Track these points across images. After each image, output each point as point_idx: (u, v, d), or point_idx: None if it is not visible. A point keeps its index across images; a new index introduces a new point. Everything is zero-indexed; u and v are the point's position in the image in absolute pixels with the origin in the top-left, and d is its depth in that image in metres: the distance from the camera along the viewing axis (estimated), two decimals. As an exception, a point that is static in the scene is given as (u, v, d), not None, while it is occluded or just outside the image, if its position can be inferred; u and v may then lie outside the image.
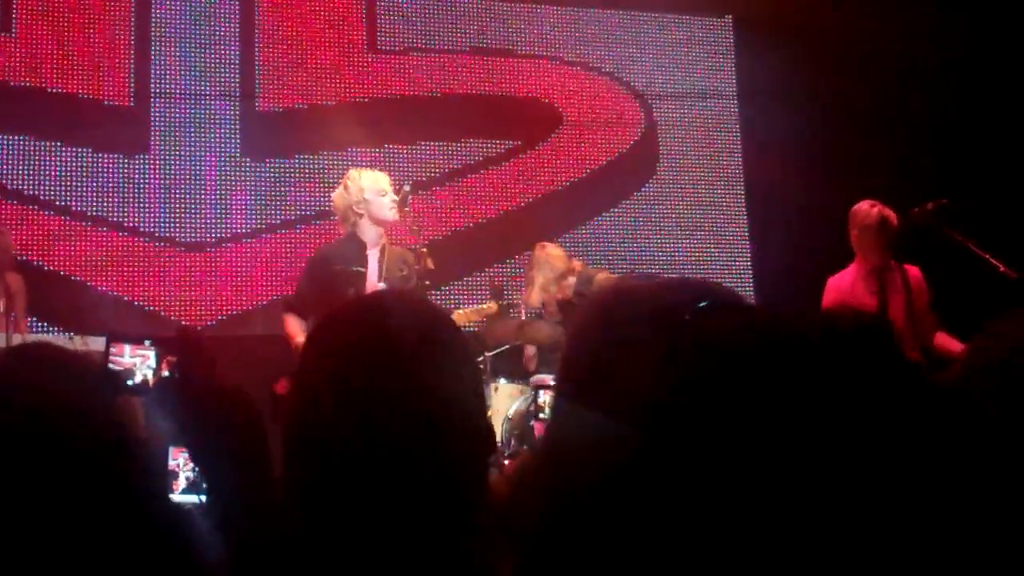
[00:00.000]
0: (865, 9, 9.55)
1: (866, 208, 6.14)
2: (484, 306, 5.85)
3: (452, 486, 1.48)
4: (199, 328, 8.14)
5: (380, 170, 6.06)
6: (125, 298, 8.21)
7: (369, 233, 5.73)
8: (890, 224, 6.07)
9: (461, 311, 5.77)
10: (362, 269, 5.63)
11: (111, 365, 1.58)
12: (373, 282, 5.62)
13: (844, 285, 6.15)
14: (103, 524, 1.38)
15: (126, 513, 1.46)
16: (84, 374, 1.67)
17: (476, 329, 7.33)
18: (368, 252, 5.69)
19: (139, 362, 1.58)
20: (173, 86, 8.63)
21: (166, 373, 1.60)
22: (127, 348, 1.58)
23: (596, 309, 1.03)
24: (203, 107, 8.65)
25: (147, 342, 1.59)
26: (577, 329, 1.04)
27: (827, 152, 9.48)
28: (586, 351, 1.00)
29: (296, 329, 5.67)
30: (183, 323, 8.00)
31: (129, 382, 1.58)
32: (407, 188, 5.84)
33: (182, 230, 8.43)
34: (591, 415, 0.90)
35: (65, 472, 1.33)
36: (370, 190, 5.74)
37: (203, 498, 1.78)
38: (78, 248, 8.21)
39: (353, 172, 5.90)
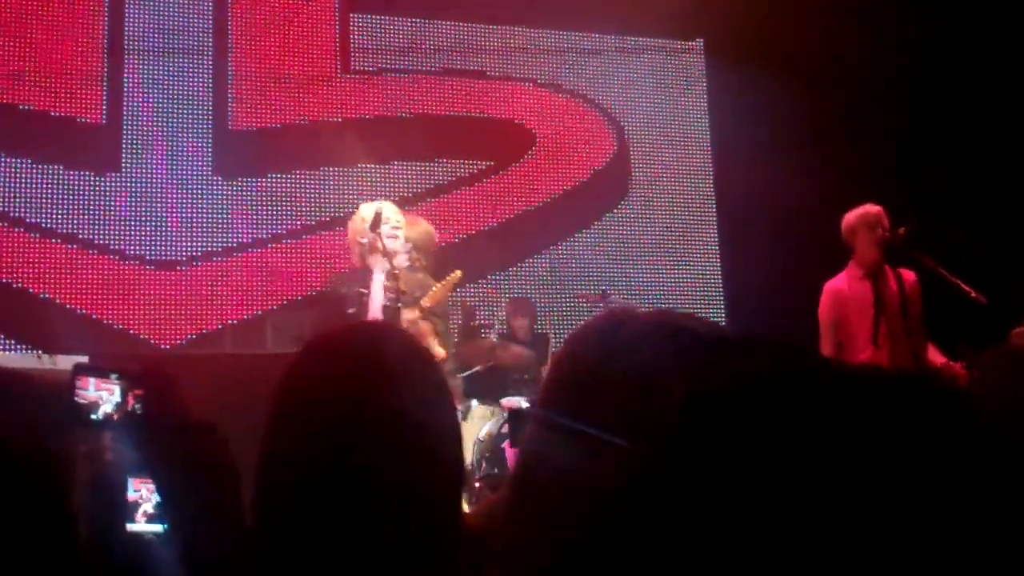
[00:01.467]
0: (831, 28, 9.65)
1: (865, 208, 6.20)
2: (448, 277, 5.83)
3: (424, 515, 1.49)
4: (167, 347, 8.12)
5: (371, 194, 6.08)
6: (95, 316, 8.16)
7: (378, 263, 5.75)
8: (887, 222, 6.13)
9: (431, 293, 5.74)
10: (364, 291, 5.67)
11: (76, 399, 1.58)
12: (376, 302, 5.64)
13: (840, 289, 6.18)
14: (56, 555, 1.39)
15: (79, 544, 1.47)
16: (41, 406, 1.68)
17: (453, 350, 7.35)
18: (373, 276, 5.72)
19: (104, 395, 1.58)
20: (145, 104, 8.60)
21: (133, 406, 1.60)
22: (92, 381, 1.58)
23: (590, 337, 1.00)
24: (175, 125, 8.63)
25: (113, 376, 1.59)
26: (567, 355, 1.01)
27: (798, 172, 9.54)
28: (577, 378, 0.98)
29: None
30: (150, 353, 7.96)
31: (93, 416, 1.58)
32: (375, 209, 5.83)
33: (153, 248, 8.39)
34: (578, 444, 0.89)
35: (13, 505, 1.33)
36: (373, 221, 5.77)
37: (163, 527, 1.78)
38: (48, 266, 8.16)
39: (361, 205, 5.95)
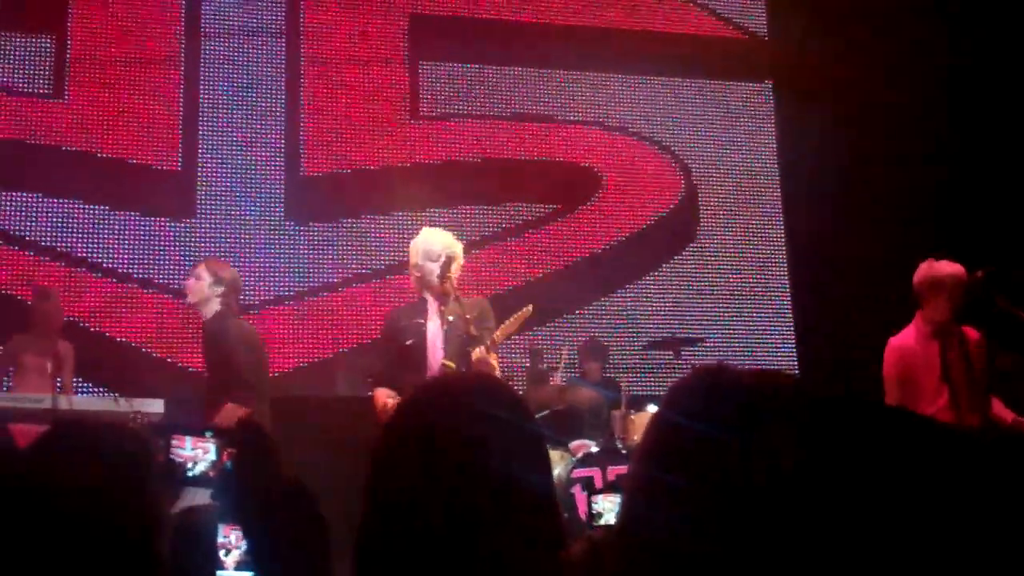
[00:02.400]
0: (902, 68, 9.58)
1: (943, 264, 5.96)
2: (521, 312, 5.86)
3: (522, 563, 1.51)
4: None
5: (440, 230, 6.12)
6: (170, 360, 8.29)
7: (427, 290, 5.83)
8: (964, 283, 5.93)
9: (503, 327, 5.78)
10: (421, 321, 5.73)
11: (172, 457, 1.61)
12: (433, 334, 5.69)
13: (907, 346, 5.98)
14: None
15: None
16: (125, 456, 1.71)
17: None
18: (429, 307, 5.78)
19: (200, 453, 1.61)
20: (220, 151, 8.78)
21: (227, 464, 1.63)
22: (188, 440, 1.61)
23: (696, 391, 1.02)
24: (249, 172, 8.78)
25: (207, 433, 1.62)
26: (672, 410, 1.02)
27: (869, 214, 9.47)
28: (683, 435, 0.99)
29: (383, 400, 5.70)
30: (241, 415, 8.05)
31: (189, 474, 1.61)
32: (446, 256, 5.87)
33: (227, 293, 8.51)
34: (681, 498, 0.90)
35: (86, 551, 1.36)
36: (423, 253, 5.83)
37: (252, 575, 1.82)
38: (124, 310, 8.32)
39: (423, 230, 6.02)
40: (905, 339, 6.01)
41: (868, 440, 0.89)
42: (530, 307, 5.97)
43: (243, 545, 2.04)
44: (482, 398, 1.59)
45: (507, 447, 1.55)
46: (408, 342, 5.68)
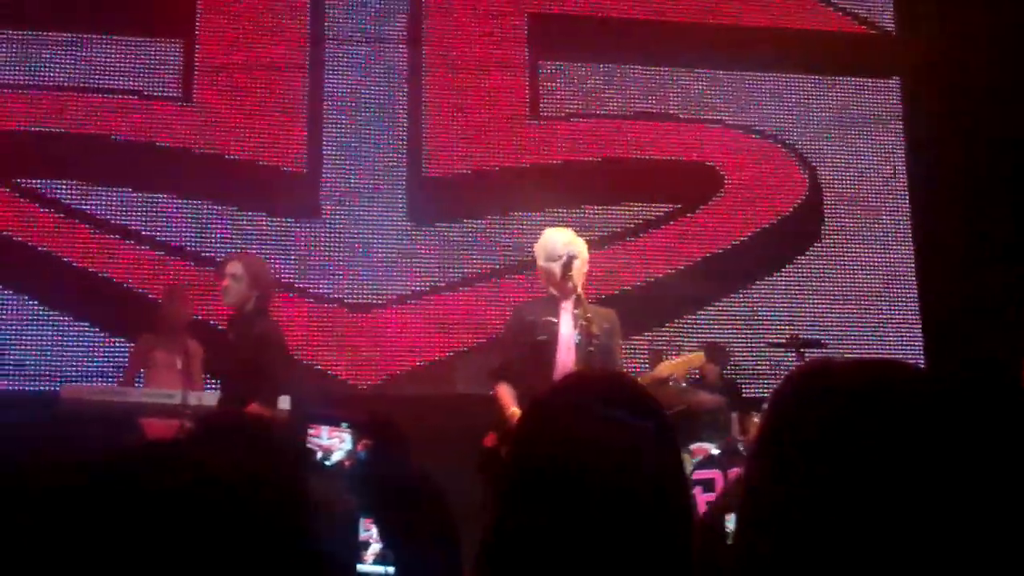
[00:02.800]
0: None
1: None
2: (691, 355, 5.85)
3: (658, 562, 1.49)
4: (363, 388, 8.33)
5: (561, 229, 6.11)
6: (295, 357, 8.44)
7: (554, 289, 5.82)
8: None
9: (667, 362, 5.76)
10: (554, 319, 5.71)
11: (309, 444, 1.64)
12: (565, 334, 5.68)
13: None
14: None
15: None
16: (275, 447, 1.75)
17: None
18: (560, 305, 5.77)
19: (336, 443, 1.63)
20: (344, 153, 8.92)
21: (362, 454, 1.65)
22: (324, 429, 1.63)
23: (794, 390, 1.01)
24: (372, 173, 8.91)
25: (344, 424, 1.64)
26: (782, 405, 1.01)
27: (997, 212, 9.18)
28: (781, 432, 0.99)
29: (508, 397, 5.72)
30: (346, 390, 8.20)
31: (326, 463, 1.63)
32: (568, 255, 5.85)
33: (349, 292, 8.66)
34: (798, 488, 0.89)
35: (248, 541, 1.38)
36: (544, 255, 5.83)
37: (390, 569, 1.84)
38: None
39: (545, 231, 6.02)
40: None
41: (996, 427, 0.86)
42: (703, 355, 5.94)
43: (380, 540, 2.06)
44: (618, 402, 1.57)
45: (642, 454, 1.53)
46: (540, 338, 5.66)
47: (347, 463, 1.55)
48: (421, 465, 1.68)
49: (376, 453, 1.62)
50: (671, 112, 9.51)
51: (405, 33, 9.25)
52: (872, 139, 9.77)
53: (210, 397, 6.95)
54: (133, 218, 8.55)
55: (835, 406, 0.94)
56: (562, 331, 5.69)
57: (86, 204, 8.52)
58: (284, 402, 6.67)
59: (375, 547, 1.96)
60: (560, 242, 5.87)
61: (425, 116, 9.13)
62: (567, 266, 5.79)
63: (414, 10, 9.30)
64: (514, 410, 5.54)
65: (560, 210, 8.98)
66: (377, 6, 9.25)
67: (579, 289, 5.67)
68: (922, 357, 9.29)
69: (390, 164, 8.98)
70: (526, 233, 8.76)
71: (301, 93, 9.01)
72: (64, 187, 8.54)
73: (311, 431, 1.51)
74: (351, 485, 1.76)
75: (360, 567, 2.20)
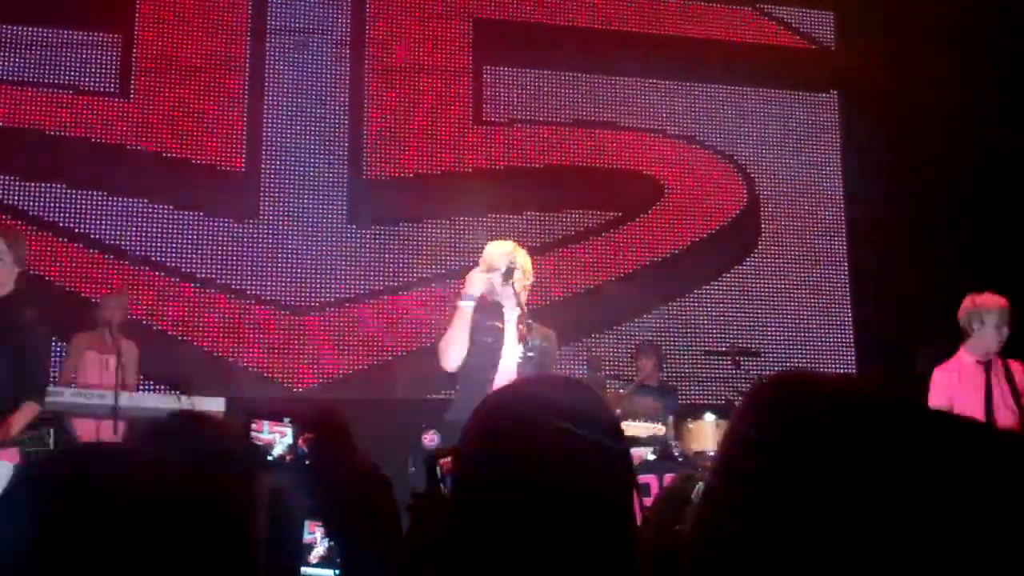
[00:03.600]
0: (968, 80, 9.45)
1: (994, 298, 6.01)
2: (655, 426, 5.96)
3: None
4: (299, 391, 8.26)
5: (499, 238, 6.10)
6: (230, 359, 8.36)
7: (502, 300, 5.80)
8: (1008, 314, 5.96)
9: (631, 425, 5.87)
10: (499, 324, 5.70)
11: (252, 440, 1.61)
12: (509, 339, 5.66)
13: (951, 379, 6.03)
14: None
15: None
16: (228, 448, 1.72)
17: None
18: (504, 310, 5.75)
19: (277, 438, 1.61)
20: (283, 153, 8.84)
21: (303, 449, 1.62)
22: (265, 424, 1.61)
23: (771, 398, 0.99)
24: (312, 174, 8.84)
25: (286, 419, 1.62)
26: (747, 416, 1.00)
27: (934, 227, 9.34)
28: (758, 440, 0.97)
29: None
30: (281, 392, 8.12)
31: (268, 458, 1.61)
32: (508, 266, 5.84)
33: (288, 294, 8.59)
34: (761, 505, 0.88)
35: (191, 544, 1.35)
36: (485, 266, 5.80)
37: (336, 572, 1.81)
38: (187, 309, 8.41)
39: (488, 244, 5.99)
40: (950, 370, 6.04)
41: (965, 456, 0.86)
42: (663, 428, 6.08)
43: (326, 541, 2.04)
44: (566, 407, 1.56)
45: (586, 457, 1.52)
46: (487, 339, 5.64)
47: (288, 457, 1.53)
48: (365, 454, 1.65)
49: (317, 447, 1.60)
50: (614, 120, 9.56)
51: (349, 34, 9.20)
52: (810, 151, 9.91)
53: (143, 398, 6.85)
54: (66, 215, 8.39)
55: (820, 416, 0.92)
56: (506, 337, 5.68)
57: (18, 200, 8.34)
58: (219, 403, 6.60)
59: (319, 549, 1.94)
60: (500, 253, 5.85)
61: (367, 118, 9.08)
62: (507, 275, 5.78)
63: (358, 11, 9.24)
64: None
65: (502, 215, 8.98)
66: (320, 5, 9.18)
67: (522, 300, 5.65)
68: (853, 366, 9.42)
69: (330, 165, 8.91)
70: (467, 237, 8.76)
71: (241, 91, 8.91)
72: (-6, 182, 8.36)
73: (253, 426, 1.49)
74: (293, 480, 1.73)
75: (304, 570, 2.17)
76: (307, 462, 1.62)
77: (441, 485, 1.65)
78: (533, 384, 1.66)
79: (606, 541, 1.48)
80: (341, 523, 1.64)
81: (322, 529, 1.84)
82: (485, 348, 5.61)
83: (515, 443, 1.51)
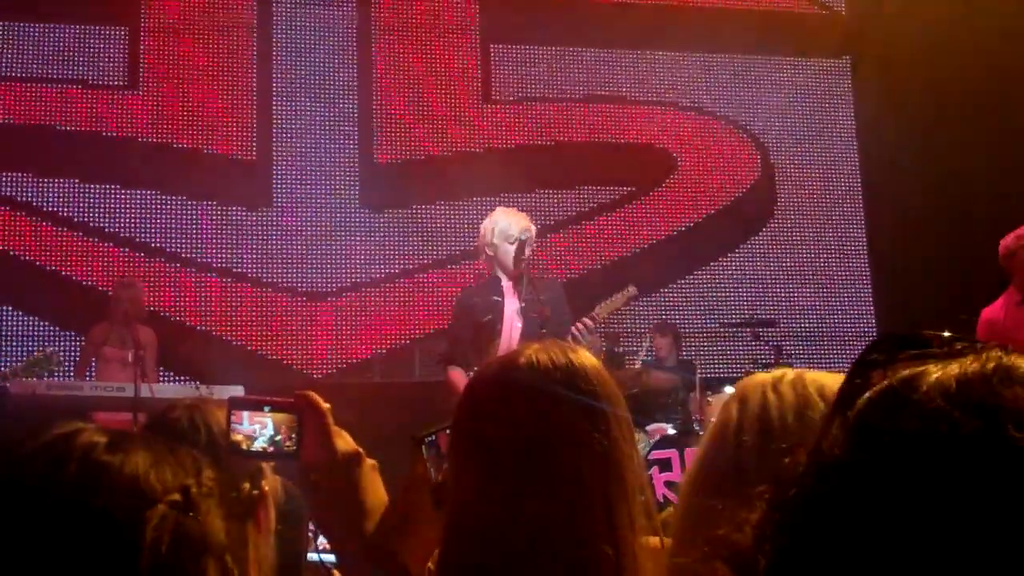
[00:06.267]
0: (983, 44, 9.32)
1: None
2: (623, 292, 5.87)
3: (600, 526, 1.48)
4: (318, 376, 8.28)
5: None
6: (249, 347, 8.39)
7: (500, 270, 5.78)
8: None
9: (606, 304, 5.80)
10: (498, 298, 5.69)
11: (231, 433, 1.60)
12: (510, 312, 5.65)
13: (997, 318, 5.88)
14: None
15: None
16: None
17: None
18: (503, 285, 5.74)
19: (258, 429, 1.60)
20: (294, 140, 8.84)
21: (279, 440, 1.61)
22: (245, 415, 1.59)
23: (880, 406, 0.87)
24: (323, 160, 8.83)
25: (266, 408, 1.61)
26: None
27: (950, 192, 9.23)
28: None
29: (460, 380, 5.69)
30: (303, 382, 8.13)
31: (250, 449, 1.59)
32: (523, 239, 5.83)
33: (303, 280, 8.60)
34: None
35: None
36: (500, 234, 5.78)
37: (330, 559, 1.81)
38: (204, 299, 8.44)
39: (498, 211, 5.96)
40: (994, 312, 5.91)
41: None
42: (634, 288, 5.96)
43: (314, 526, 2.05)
44: (561, 380, 1.55)
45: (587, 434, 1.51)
46: (486, 318, 5.63)
47: (270, 450, 1.52)
48: (343, 434, 1.64)
49: (299, 436, 1.59)
50: (624, 95, 9.50)
51: (355, 19, 9.17)
52: (823, 118, 9.83)
53: (164, 389, 6.87)
54: (80, 209, 8.42)
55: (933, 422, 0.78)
56: (507, 310, 5.67)
57: (32, 196, 8.38)
58: (238, 392, 6.62)
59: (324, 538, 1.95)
60: (516, 225, 5.83)
61: (376, 102, 9.06)
62: (521, 249, 5.76)
63: (363, -5, 9.22)
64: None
65: (514, 194, 8.94)
66: (325, -9, 9.17)
67: (527, 273, 5.65)
68: (874, 334, 9.35)
69: (341, 151, 8.91)
70: (480, 219, 8.71)
71: (249, 80, 8.91)
72: (8, 179, 8.39)
73: (233, 417, 1.48)
74: (276, 468, 1.73)
75: (310, 555, 2.18)
76: (287, 452, 1.61)
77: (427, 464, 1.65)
78: (514, 353, 1.65)
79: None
80: (318, 511, 1.64)
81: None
82: (485, 327, 5.61)
83: (498, 408, 1.51)
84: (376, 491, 1.65)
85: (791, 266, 9.50)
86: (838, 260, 9.59)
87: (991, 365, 0.80)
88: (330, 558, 2.08)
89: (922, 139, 9.35)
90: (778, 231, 9.57)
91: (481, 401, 1.60)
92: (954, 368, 0.80)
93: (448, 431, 1.62)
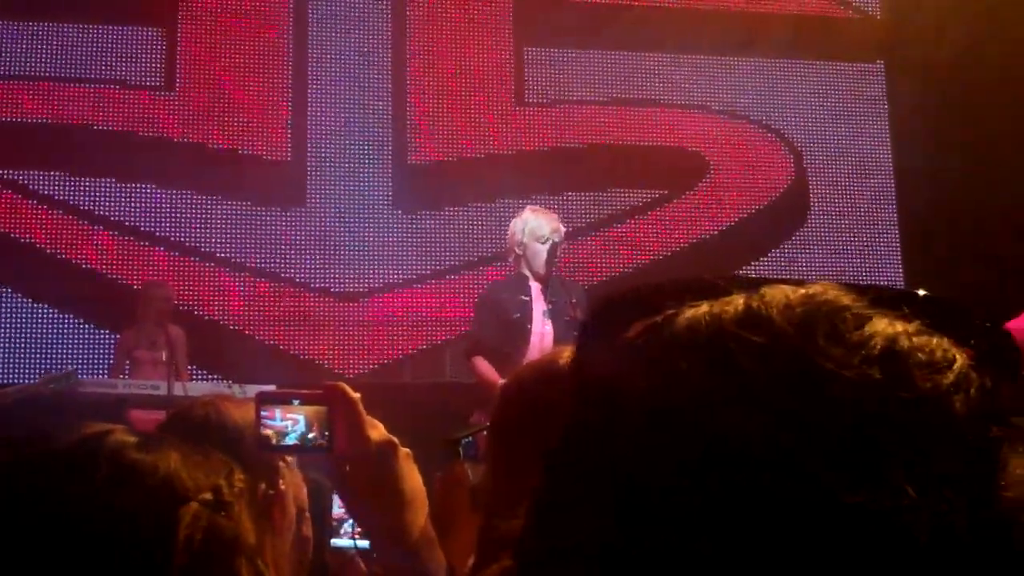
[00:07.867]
0: (1017, 45, 9.23)
1: None
2: None
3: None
4: (350, 377, 8.30)
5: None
6: (282, 347, 8.43)
7: (529, 270, 5.79)
8: None
9: None
10: (526, 298, 5.70)
11: (262, 430, 1.60)
12: (539, 312, 5.66)
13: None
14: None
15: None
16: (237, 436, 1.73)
17: None
18: (531, 283, 5.75)
19: (289, 425, 1.60)
20: (328, 140, 8.89)
21: (313, 435, 1.61)
22: (277, 410, 1.60)
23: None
24: (356, 161, 8.87)
25: (295, 402, 1.61)
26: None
27: (986, 197, 9.16)
28: None
29: (490, 370, 5.69)
30: (332, 378, 8.16)
31: (282, 443, 1.60)
32: (555, 240, 5.84)
33: (336, 280, 8.64)
34: None
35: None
36: (530, 233, 5.80)
37: (366, 543, 1.82)
38: (237, 298, 8.49)
39: (528, 210, 5.97)
40: (1022, 322, 5.85)
41: None
42: None
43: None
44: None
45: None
46: (515, 316, 5.65)
47: (301, 444, 1.53)
48: (376, 424, 1.64)
49: (331, 429, 1.59)
50: (656, 98, 9.49)
51: (389, 16, 9.21)
52: (857, 123, 9.77)
53: (196, 388, 6.92)
54: (115, 209, 8.50)
55: None
56: (535, 309, 5.68)
57: (68, 195, 8.47)
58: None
59: (348, 524, 1.96)
60: (548, 226, 5.85)
61: (409, 103, 9.10)
62: (553, 251, 5.78)
63: (397, -3, 9.26)
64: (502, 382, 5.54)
65: (545, 196, 8.94)
66: (360, -6, 9.21)
67: (556, 275, 5.66)
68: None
69: (374, 152, 8.94)
70: (511, 220, 8.73)
71: (285, 81, 8.96)
72: (45, 178, 8.48)
73: (264, 413, 1.49)
74: (314, 464, 1.74)
75: (335, 541, 2.19)
76: (317, 444, 1.62)
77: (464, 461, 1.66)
78: (553, 356, 1.65)
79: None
80: (353, 503, 1.64)
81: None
82: (514, 325, 5.62)
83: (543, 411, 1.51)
84: (413, 479, 1.65)
85: (824, 271, 9.43)
86: (872, 266, 9.53)
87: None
88: (346, 543, 2.09)
89: (959, 146, 9.27)
90: (811, 236, 9.52)
91: (517, 405, 1.59)
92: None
93: (485, 432, 1.62)
